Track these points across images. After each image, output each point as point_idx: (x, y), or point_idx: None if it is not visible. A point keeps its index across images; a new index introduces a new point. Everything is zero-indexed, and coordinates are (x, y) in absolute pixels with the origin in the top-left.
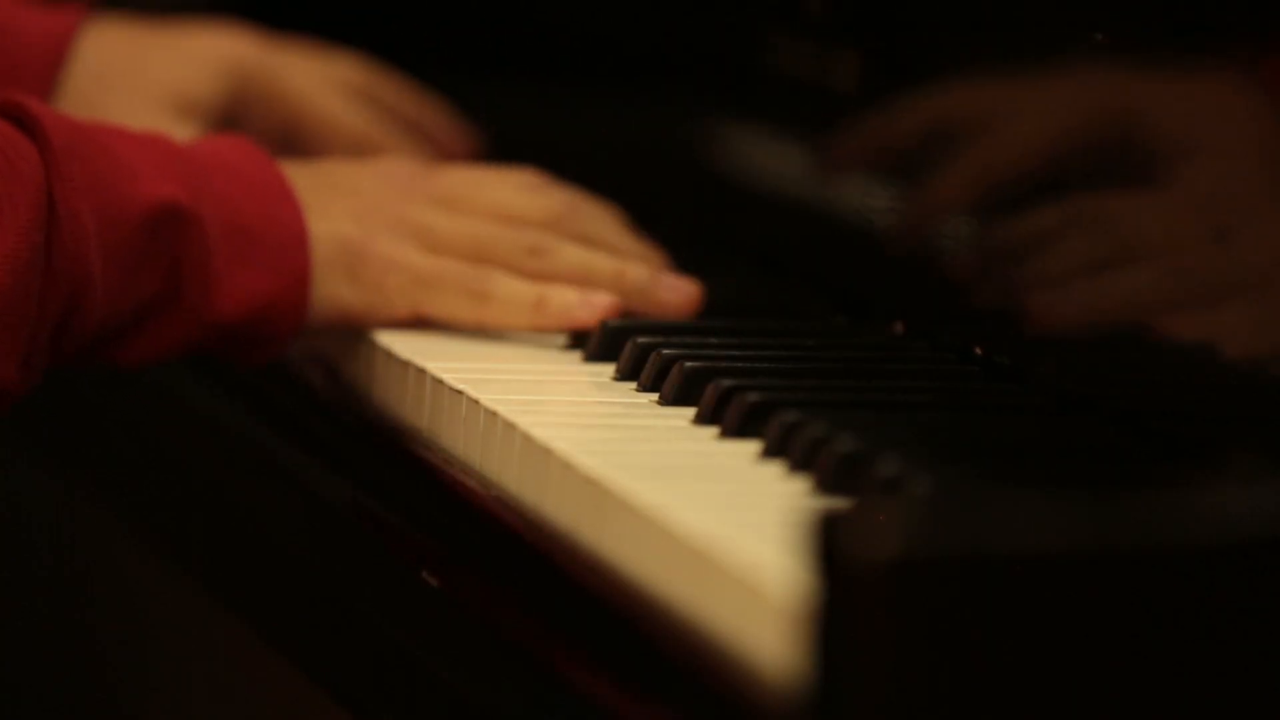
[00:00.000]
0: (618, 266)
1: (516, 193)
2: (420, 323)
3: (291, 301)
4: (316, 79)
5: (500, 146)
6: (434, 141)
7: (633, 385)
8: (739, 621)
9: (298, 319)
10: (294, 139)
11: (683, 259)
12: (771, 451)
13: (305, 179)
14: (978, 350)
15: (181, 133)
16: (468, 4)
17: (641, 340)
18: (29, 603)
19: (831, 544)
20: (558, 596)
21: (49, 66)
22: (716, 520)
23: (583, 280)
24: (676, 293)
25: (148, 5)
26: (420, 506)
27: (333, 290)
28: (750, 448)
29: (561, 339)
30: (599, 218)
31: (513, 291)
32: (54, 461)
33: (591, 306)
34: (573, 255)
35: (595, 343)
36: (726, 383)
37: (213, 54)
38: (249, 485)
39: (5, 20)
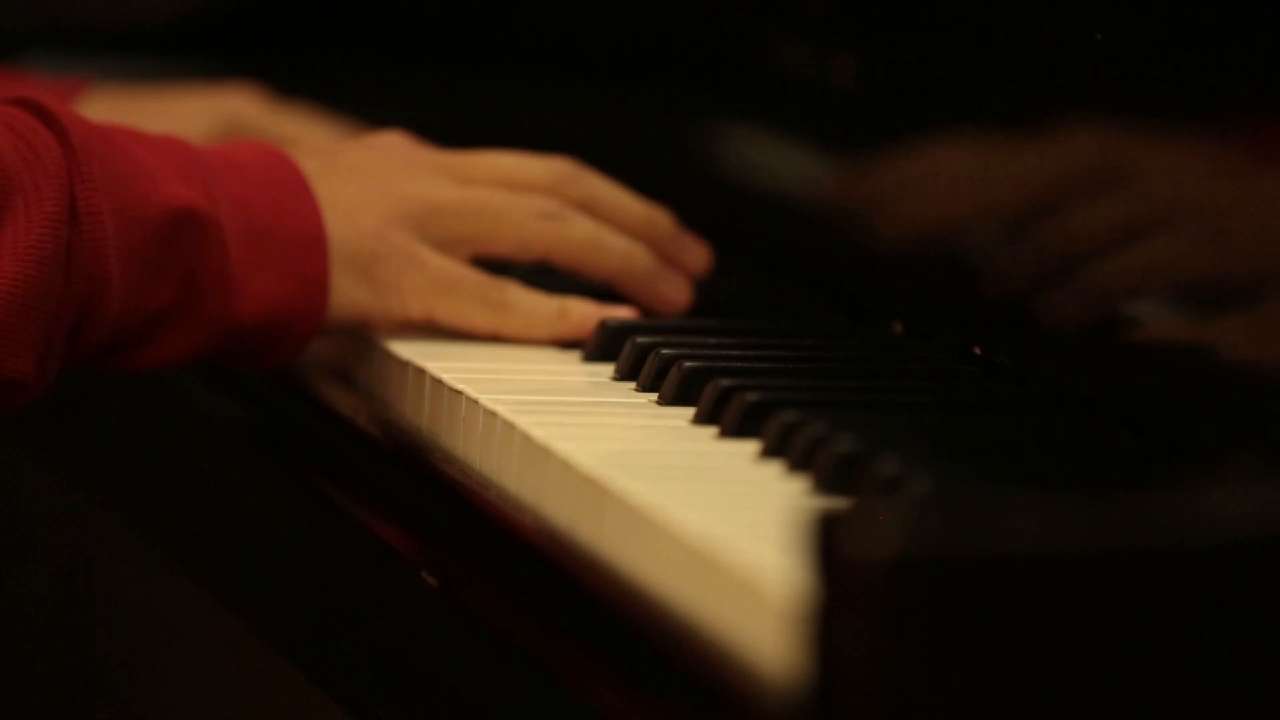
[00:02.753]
0: (628, 247)
1: (519, 159)
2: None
3: (309, 305)
4: (319, 140)
5: (500, 145)
6: None
7: (632, 385)
8: (738, 621)
9: (316, 322)
10: None
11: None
12: (771, 451)
13: (315, 166)
14: (977, 350)
15: None
16: (466, 3)
17: (641, 340)
18: (29, 603)
19: (830, 544)
20: (557, 596)
21: None
22: (715, 520)
23: (594, 250)
24: (678, 291)
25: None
26: (420, 506)
27: (350, 293)
28: (749, 447)
29: None
30: (604, 184)
31: (533, 303)
32: (54, 461)
33: (614, 317)
34: (584, 224)
35: (594, 343)
36: (725, 382)
37: (209, 110)
38: (249, 485)
39: (8, 89)
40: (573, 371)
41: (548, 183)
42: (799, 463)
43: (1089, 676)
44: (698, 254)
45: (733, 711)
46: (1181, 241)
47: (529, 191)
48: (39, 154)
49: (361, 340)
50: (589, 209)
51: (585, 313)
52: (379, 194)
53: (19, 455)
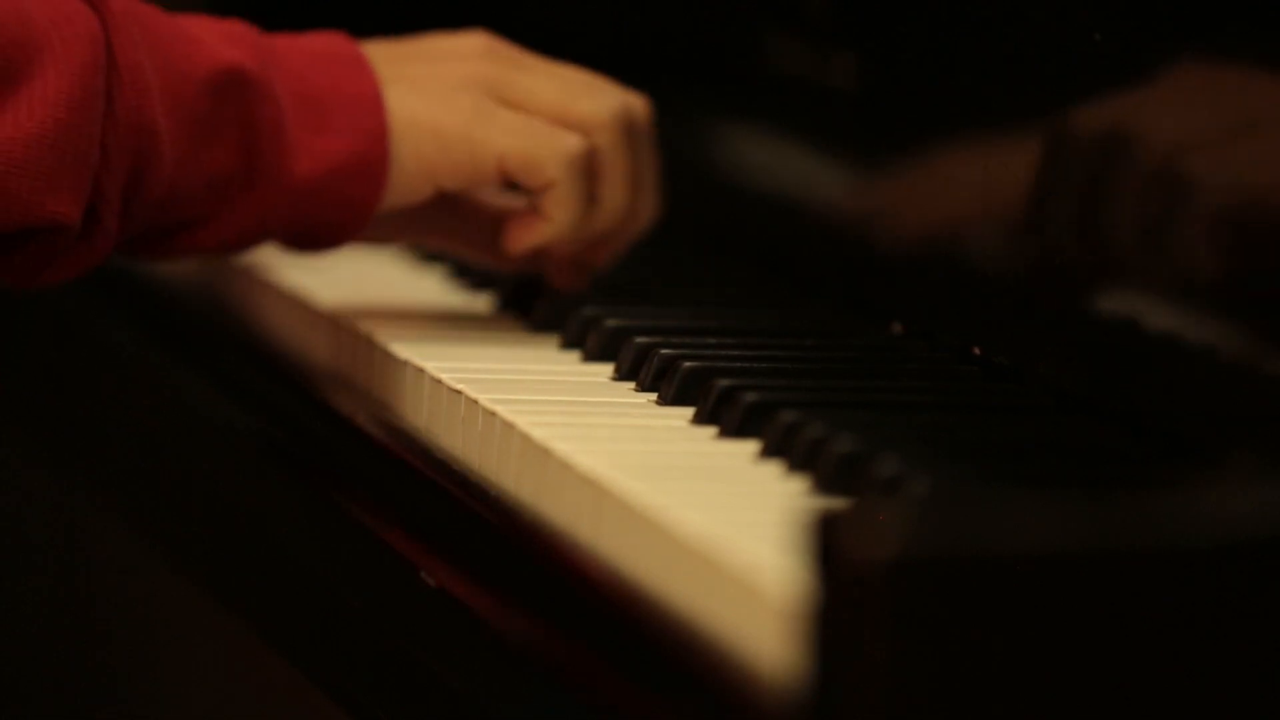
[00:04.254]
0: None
1: (586, 86)
2: (419, 317)
3: (371, 164)
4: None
5: None
6: None
7: (632, 385)
8: (738, 622)
9: (380, 178)
10: None
11: (683, 259)
12: (770, 451)
13: (380, 51)
14: (976, 350)
15: None
16: (468, 3)
17: (641, 340)
18: (29, 603)
19: (830, 544)
20: (557, 596)
21: None
22: (715, 520)
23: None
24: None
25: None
26: (420, 506)
27: (418, 148)
28: (749, 447)
29: (559, 339)
30: (634, 155)
31: (583, 185)
32: (54, 461)
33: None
34: (582, 190)
35: (595, 342)
36: (725, 382)
37: None
38: (249, 484)
39: None
40: (573, 371)
41: (593, 122)
42: (799, 463)
43: (1089, 676)
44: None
45: (733, 712)
46: (1182, 240)
47: (569, 129)
48: (69, 17)
49: (360, 339)
50: (600, 169)
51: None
52: (446, 72)
53: (19, 455)
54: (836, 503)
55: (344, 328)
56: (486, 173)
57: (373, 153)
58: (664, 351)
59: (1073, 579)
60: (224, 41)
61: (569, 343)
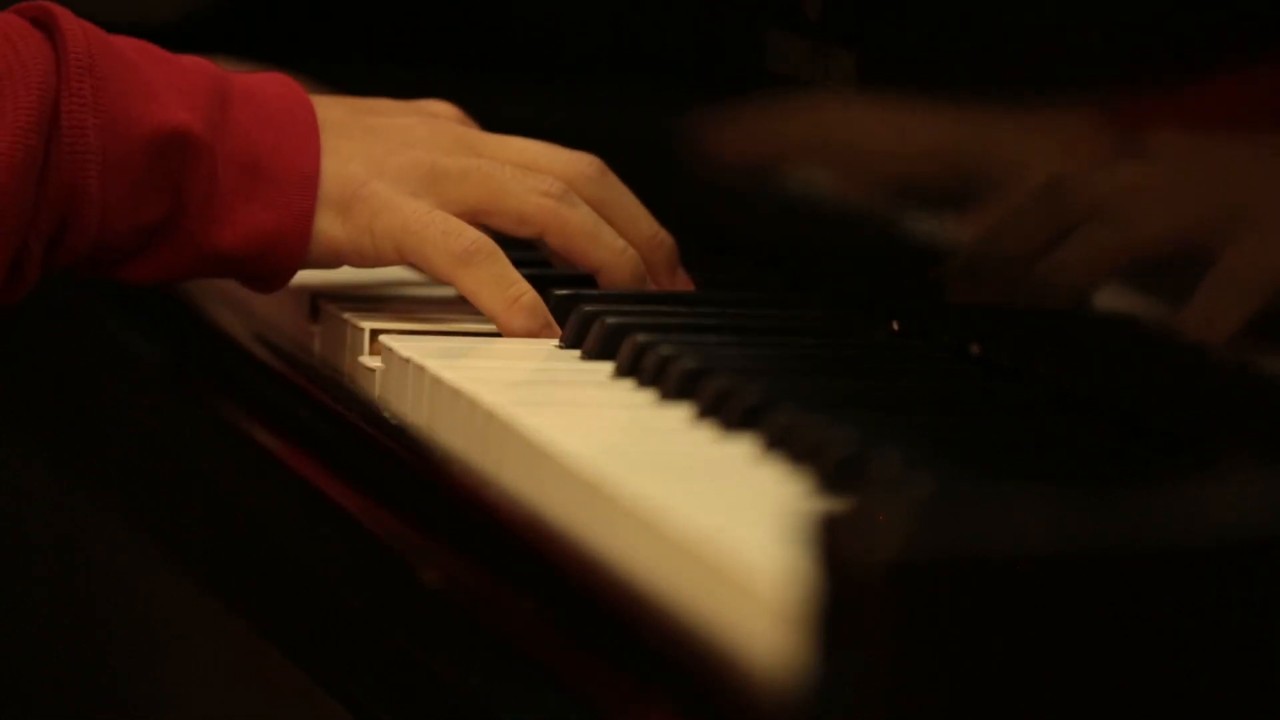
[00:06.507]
0: (623, 245)
1: (545, 147)
2: (406, 308)
3: (291, 239)
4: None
5: None
6: None
7: (631, 383)
8: (737, 622)
9: (296, 256)
10: None
11: (682, 258)
12: (769, 450)
13: (335, 116)
14: (975, 349)
15: None
16: (470, 3)
17: (639, 338)
18: (29, 603)
19: (831, 544)
20: (556, 594)
21: None
22: (715, 520)
23: (589, 237)
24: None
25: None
26: (420, 505)
27: (327, 226)
28: (748, 446)
29: (558, 337)
30: (623, 192)
31: (496, 271)
32: (54, 461)
33: (548, 329)
34: (585, 212)
35: (594, 341)
36: (724, 381)
37: None
38: (249, 484)
39: None
40: (572, 370)
41: (565, 174)
42: (798, 462)
43: (1089, 676)
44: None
45: (734, 712)
46: (1182, 239)
47: (541, 174)
48: (25, 64)
49: (361, 340)
50: (599, 209)
51: (537, 309)
52: (385, 154)
53: (19, 455)
54: (836, 503)
55: (332, 316)
56: (386, 259)
57: (295, 230)
58: (663, 350)
59: (1073, 579)
60: (179, 96)
61: (568, 342)
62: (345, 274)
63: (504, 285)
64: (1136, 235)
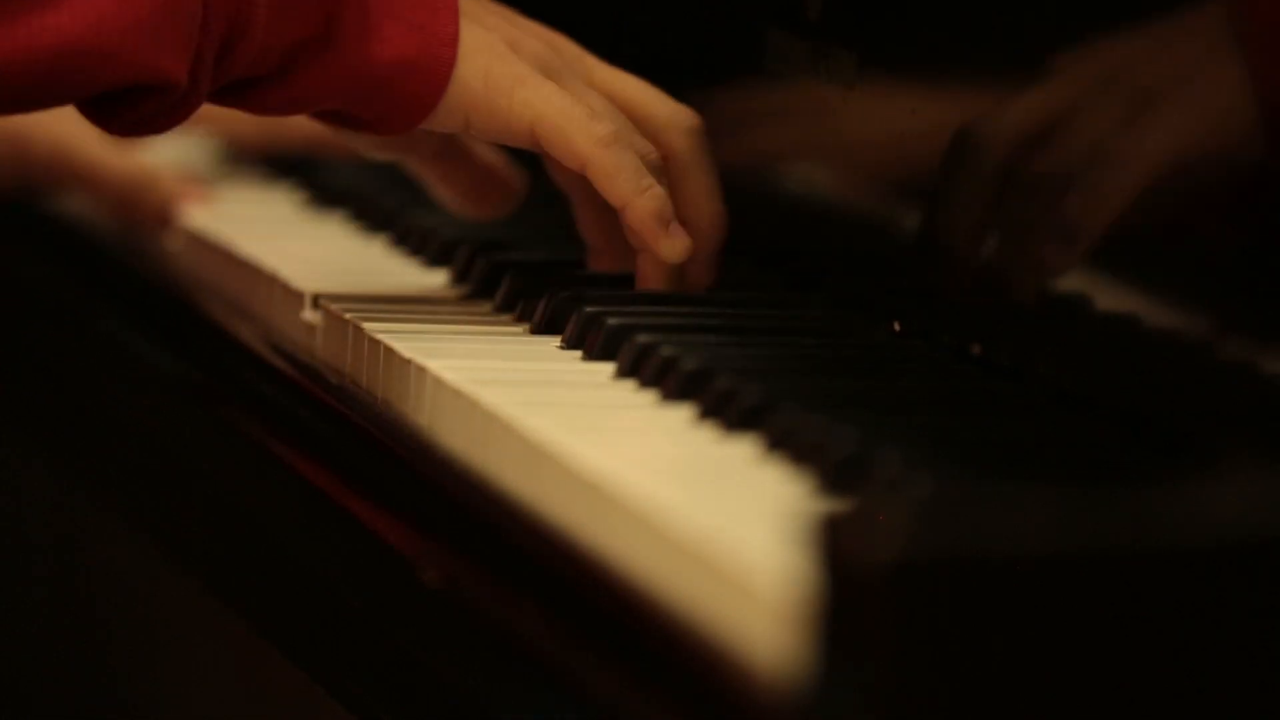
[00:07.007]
0: (650, 183)
1: (653, 93)
2: (411, 307)
3: (436, 67)
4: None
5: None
6: None
7: (632, 384)
8: (738, 622)
9: (437, 89)
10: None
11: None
12: (770, 451)
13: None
14: (975, 349)
15: None
16: None
17: (641, 339)
18: (29, 603)
19: (831, 544)
20: (557, 595)
21: None
22: (715, 520)
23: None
24: (674, 248)
25: None
26: (420, 504)
27: (467, 82)
28: (749, 447)
29: (559, 338)
30: (701, 157)
31: (634, 162)
32: (54, 461)
33: (674, 234)
34: (633, 158)
35: (595, 342)
36: (725, 382)
37: None
38: (250, 484)
39: None
40: (574, 371)
41: (660, 118)
42: (799, 462)
43: (1089, 676)
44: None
45: (734, 712)
46: (1182, 239)
47: (635, 128)
48: None
49: (362, 339)
50: (675, 168)
51: (664, 207)
52: (520, 36)
53: (19, 455)
54: (837, 503)
55: (333, 315)
56: (518, 131)
57: (441, 56)
58: (664, 351)
59: (1073, 579)
60: None
61: (569, 343)
62: (346, 274)
63: (640, 175)
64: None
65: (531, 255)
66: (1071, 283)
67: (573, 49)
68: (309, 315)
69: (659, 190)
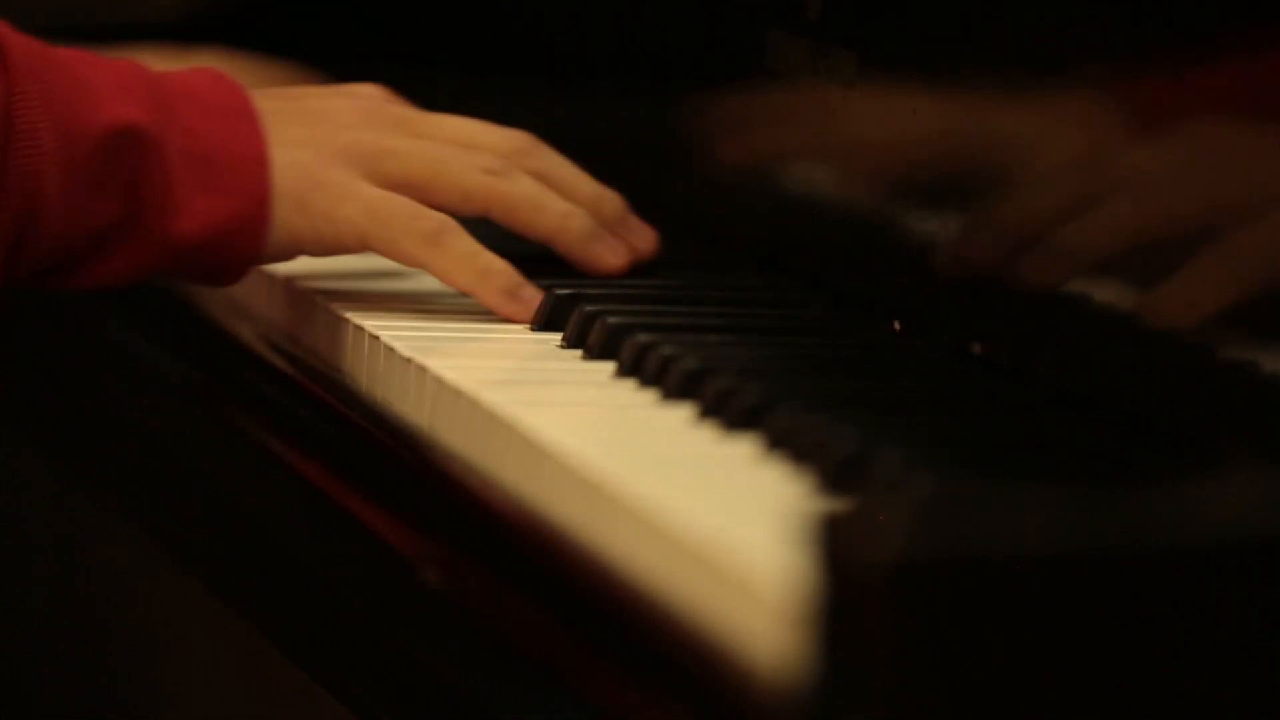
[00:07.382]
0: (568, 208)
1: (480, 125)
2: (407, 306)
3: (251, 225)
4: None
5: None
6: None
7: (632, 383)
8: (738, 623)
9: (257, 244)
10: None
11: (682, 257)
12: (770, 450)
13: (272, 105)
14: (975, 349)
15: None
16: (471, 2)
17: (641, 338)
18: (29, 603)
19: (832, 544)
20: (557, 595)
21: None
22: (716, 520)
23: (533, 208)
24: (615, 255)
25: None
26: (421, 504)
27: (287, 218)
28: (749, 446)
29: (559, 337)
30: (560, 161)
31: (464, 247)
32: (54, 461)
33: (525, 300)
34: (527, 183)
35: (595, 341)
36: (725, 381)
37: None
38: (250, 484)
39: None
40: (574, 370)
41: (503, 149)
42: (799, 462)
43: (1090, 676)
44: (644, 236)
45: (735, 712)
46: (1183, 238)
47: (481, 151)
48: None
49: (362, 337)
50: (540, 179)
51: (509, 279)
52: (327, 136)
53: (19, 455)
54: (837, 503)
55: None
56: (348, 246)
57: (255, 215)
58: (664, 350)
59: (1073, 578)
60: (121, 95)
61: (570, 341)
62: (345, 274)
63: (473, 259)
64: (1134, 230)
65: (531, 254)
66: (1072, 283)
67: (393, 112)
68: (321, 314)
69: (574, 209)
